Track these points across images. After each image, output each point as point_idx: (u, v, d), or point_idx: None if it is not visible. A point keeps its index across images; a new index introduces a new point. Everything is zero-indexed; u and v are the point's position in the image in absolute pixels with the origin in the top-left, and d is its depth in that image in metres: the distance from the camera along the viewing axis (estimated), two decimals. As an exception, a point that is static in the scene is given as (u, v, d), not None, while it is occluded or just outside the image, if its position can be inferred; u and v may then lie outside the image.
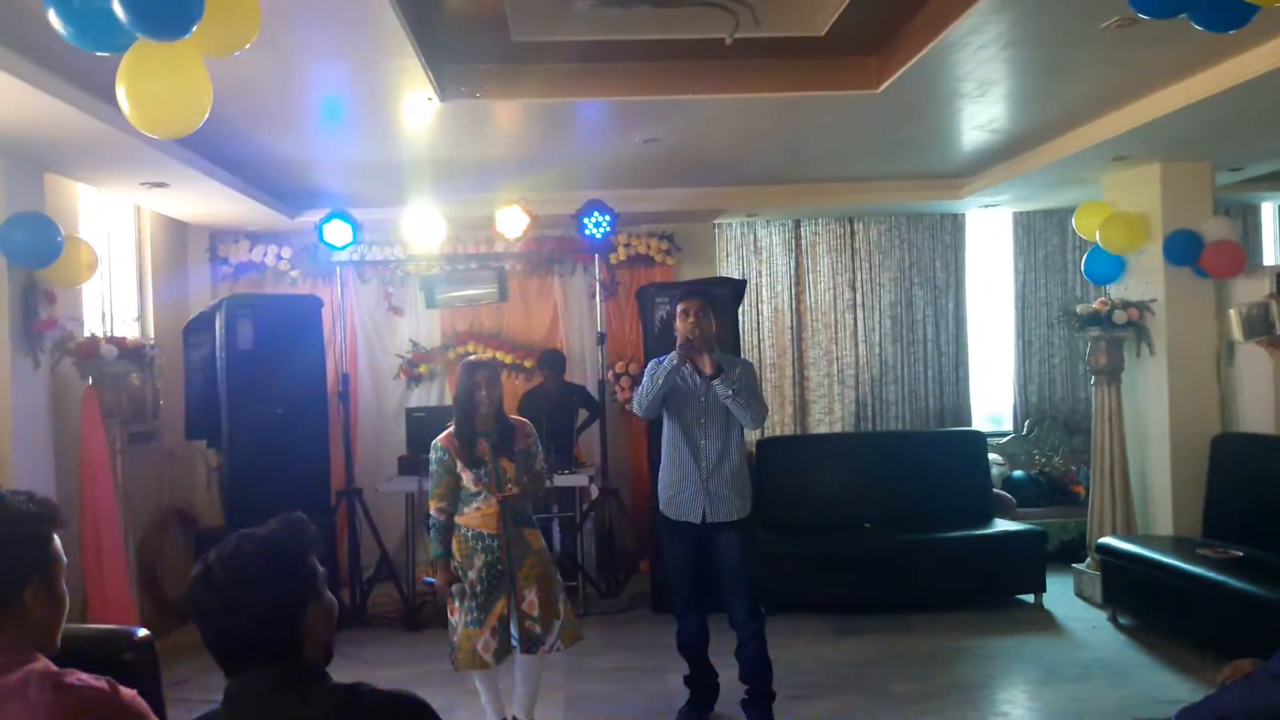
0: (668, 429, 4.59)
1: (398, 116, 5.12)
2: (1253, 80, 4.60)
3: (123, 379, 5.61)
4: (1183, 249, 6.32)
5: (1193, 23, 3.03)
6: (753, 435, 7.91)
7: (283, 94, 4.67)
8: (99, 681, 1.78)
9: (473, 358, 4.65)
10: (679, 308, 4.52)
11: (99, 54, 2.75)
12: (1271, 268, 6.91)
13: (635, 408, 4.63)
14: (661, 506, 4.63)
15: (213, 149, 5.61)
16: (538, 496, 4.73)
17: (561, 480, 6.73)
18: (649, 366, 4.60)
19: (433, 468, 4.42)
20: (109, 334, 5.73)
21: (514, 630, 4.32)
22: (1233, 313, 6.17)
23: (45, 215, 5.00)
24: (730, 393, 4.38)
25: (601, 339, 7.58)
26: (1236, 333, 6.14)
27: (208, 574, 1.71)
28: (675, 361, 4.42)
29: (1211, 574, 5.26)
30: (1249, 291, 6.26)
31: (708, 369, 4.40)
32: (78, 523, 5.30)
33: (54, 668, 1.80)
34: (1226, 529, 5.92)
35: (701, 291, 4.65)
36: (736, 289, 6.91)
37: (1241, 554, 5.47)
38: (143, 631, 2.58)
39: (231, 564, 1.70)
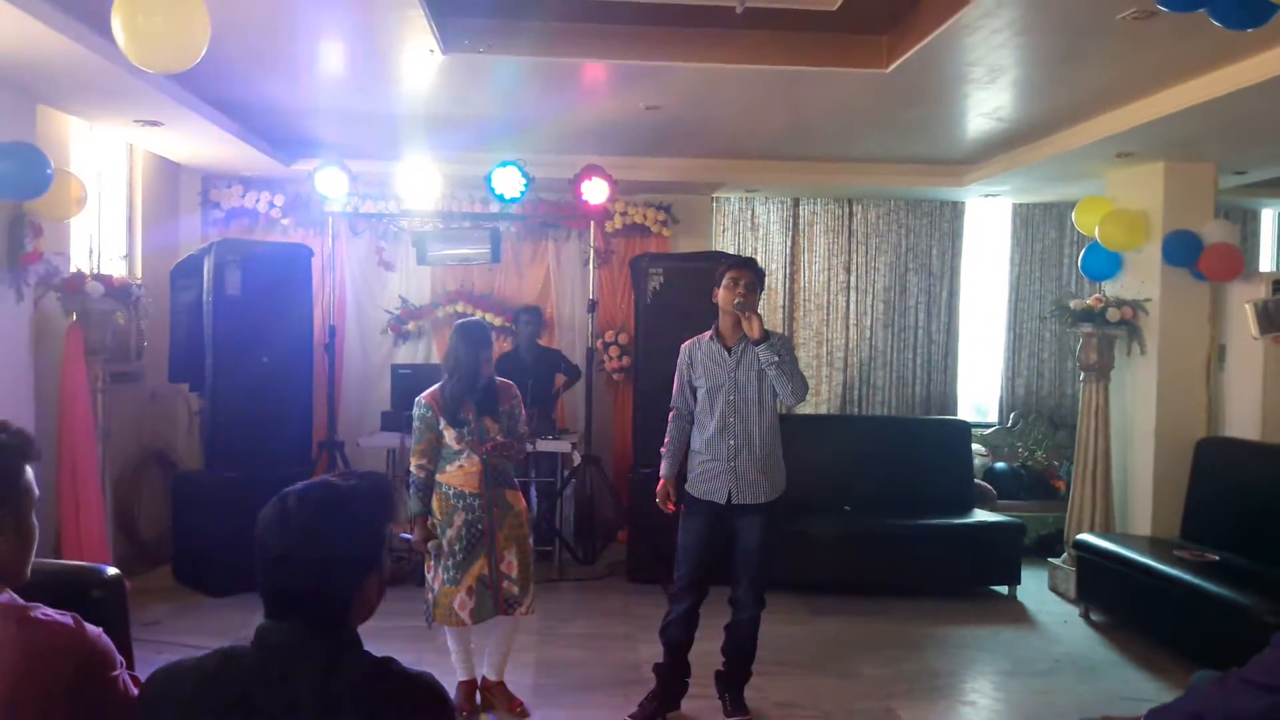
0: (698, 406, 4.46)
1: (398, 67, 5.04)
2: (1264, 83, 4.57)
3: (107, 317, 5.56)
4: (1181, 250, 6.31)
5: (1211, 18, 2.99)
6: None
7: (283, 37, 4.59)
8: (64, 617, 1.76)
9: (468, 320, 4.58)
10: (729, 274, 4.35)
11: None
12: (1269, 274, 6.90)
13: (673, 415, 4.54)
14: (688, 484, 4.48)
15: (209, 89, 5.52)
16: (518, 458, 4.69)
17: (544, 445, 6.71)
18: (681, 360, 4.49)
19: (415, 424, 4.39)
20: (96, 271, 5.67)
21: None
22: (1248, 307, 6.10)
23: (35, 146, 4.91)
24: (776, 359, 4.23)
25: (592, 306, 7.54)
26: (1253, 329, 6.06)
27: (283, 516, 1.65)
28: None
29: (1186, 576, 5.27)
30: (1245, 296, 6.24)
31: (755, 333, 4.23)
32: (55, 458, 5.27)
33: (19, 601, 1.77)
34: (1204, 532, 5.94)
35: (751, 266, 4.52)
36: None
37: (1217, 558, 5.49)
38: (112, 570, 2.55)
39: (307, 513, 1.64)
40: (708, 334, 4.45)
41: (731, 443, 4.35)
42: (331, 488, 1.69)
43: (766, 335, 4.26)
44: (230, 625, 5.45)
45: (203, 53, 2.92)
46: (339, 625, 1.66)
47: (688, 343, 4.52)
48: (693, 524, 4.44)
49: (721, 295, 4.37)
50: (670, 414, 4.55)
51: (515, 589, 4.34)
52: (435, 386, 4.40)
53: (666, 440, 4.54)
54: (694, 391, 4.45)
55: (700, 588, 4.44)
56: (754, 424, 4.35)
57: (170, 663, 1.69)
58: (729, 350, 4.39)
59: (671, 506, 4.49)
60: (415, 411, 4.39)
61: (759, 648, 4.56)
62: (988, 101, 5.54)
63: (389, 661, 1.68)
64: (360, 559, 1.67)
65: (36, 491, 1.88)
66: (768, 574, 4.46)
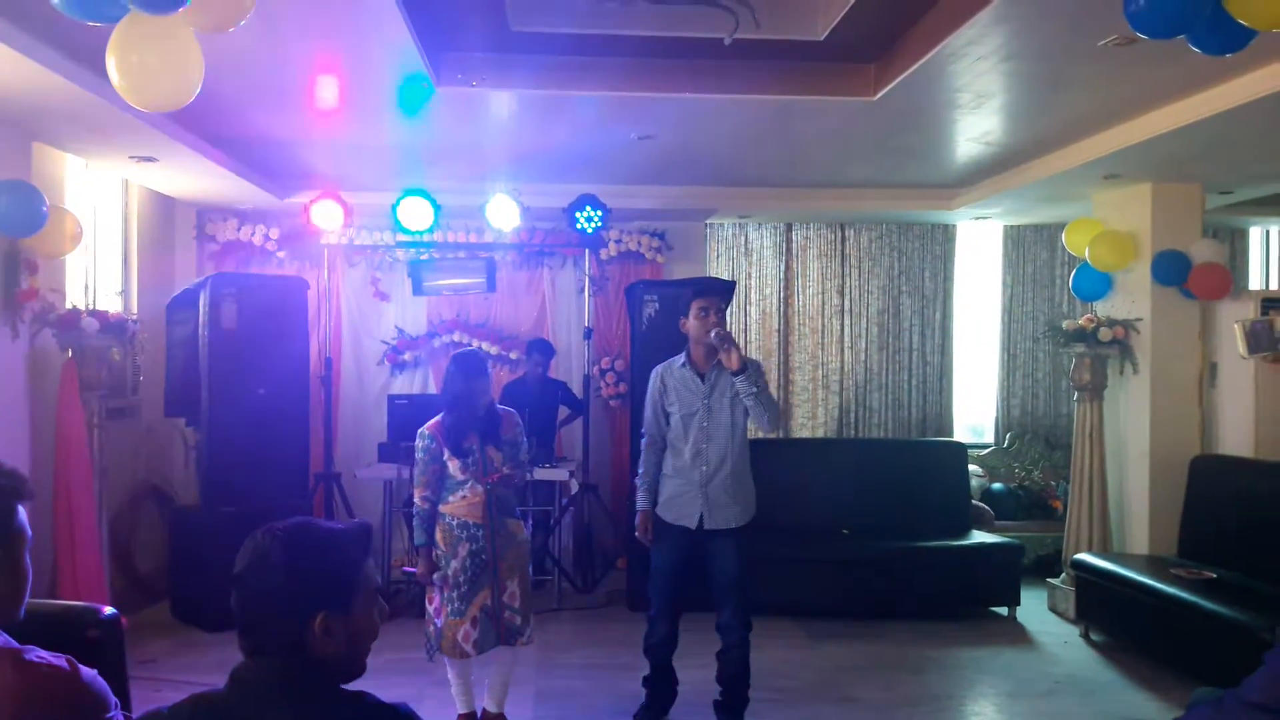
0: (670, 431, 4.51)
1: (393, 102, 5.08)
2: (1247, 104, 4.62)
3: (103, 352, 5.58)
4: (1170, 269, 6.36)
5: (1191, 45, 3.04)
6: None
7: (276, 73, 4.63)
8: (58, 659, 1.75)
9: (465, 351, 4.60)
10: (697, 304, 4.42)
11: (90, 24, 2.73)
12: (1257, 292, 6.96)
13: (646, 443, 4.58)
14: (658, 508, 4.54)
15: (204, 125, 5.56)
16: (520, 487, 4.70)
17: (541, 474, 6.71)
18: (652, 385, 4.54)
19: (419, 455, 4.38)
20: (91, 307, 5.69)
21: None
22: (1236, 327, 6.14)
23: (31, 184, 4.94)
24: (754, 390, 4.28)
25: (588, 334, 7.56)
26: (1241, 348, 6.11)
27: (254, 548, 1.69)
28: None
29: (1184, 594, 5.28)
30: (1234, 314, 6.28)
31: (734, 364, 4.27)
32: (51, 495, 5.26)
33: (13, 644, 1.76)
34: (1202, 550, 5.95)
35: (716, 290, 4.58)
36: (726, 290, 6.91)
37: (1215, 576, 5.50)
38: (109, 609, 2.55)
39: (264, 545, 1.67)
40: (679, 359, 4.49)
41: (704, 468, 4.41)
42: (301, 527, 1.72)
43: (744, 366, 4.30)
44: (227, 661, 5.31)
45: (197, 90, 2.94)
46: (300, 662, 1.66)
47: (659, 368, 4.58)
48: (665, 549, 4.52)
49: (692, 326, 4.43)
50: (644, 441, 4.57)
51: (517, 619, 4.34)
52: (438, 417, 4.40)
53: (641, 471, 4.57)
54: (667, 416, 4.49)
55: (677, 608, 4.55)
56: (727, 450, 4.42)
57: (147, 712, 1.70)
58: (702, 377, 4.43)
59: (652, 539, 4.52)
60: (418, 443, 4.39)
61: (758, 674, 4.57)
62: (975, 126, 5.60)
63: (362, 695, 1.69)
64: (302, 596, 1.66)
65: (29, 532, 1.87)
66: (749, 597, 4.51)
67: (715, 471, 4.40)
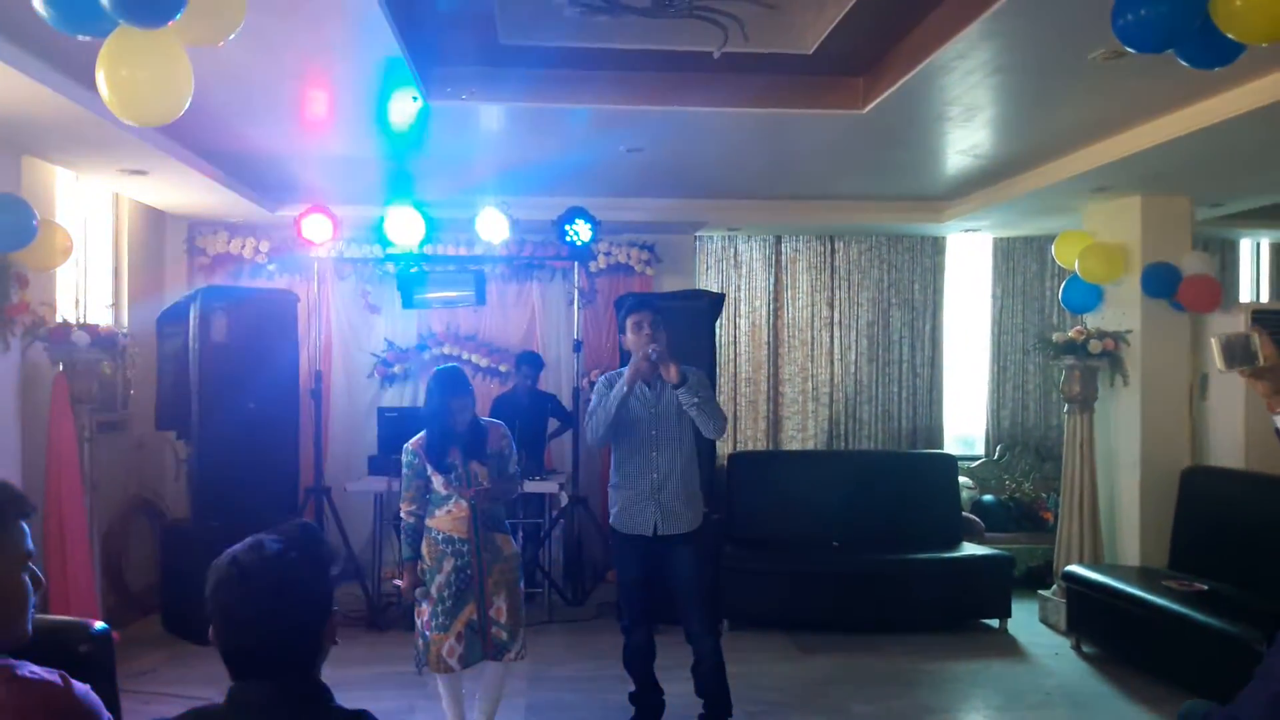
0: (618, 441, 4.52)
1: (383, 115, 5.09)
2: (1235, 118, 4.66)
3: (94, 366, 5.56)
4: (1160, 282, 6.38)
5: (1179, 59, 3.06)
6: (724, 448, 7.94)
7: (266, 86, 4.63)
8: (51, 674, 1.74)
9: (444, 367, 4.58)
10: (630, 320, 4.44)
11: (80, 37, 2.73)
12: (1247, 304, 6.98)
13: (589, 437, 4.51)
14: (612, 520, 4.58)
15: (194, 138, 5.56)
16: (510, 499, 4.69)
17: (531, 486, 6.70)
18: (599, 384, 4.52)
19: (404, 471, 4.38)
20: (82, 320, 5.67)
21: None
22: (1213, 341, 6.15)
23: (20, 198, 4.94)
24: (696, 400, 4.32)
25: (578, 346, 7.56)
26: (1219, 362, 6.12)
27: (244, 579, 1.66)
28: (626, 388, 4.35)
29: (1175, 606, 5.28)
30: (1224, 327, 6.25)
31: (674, 378, 4.30)
32: (42, 509, 5.23)
33: (7, 659, 1.75)
34: (1193, 562, 5.96)
35: (650, 303, 4.58)
36: (715, 302, 6.92)
37: (1206, 587, 5.50)
38: (100, 624, 2.55)
39: (261, 577, 1.65)
40: (629, 370, 4.46)
41: (654, 476, 4.44)
42: (278, 554, 1.69)
43: (684, 377, 4.32)
44: (218, 675, 5.31)
45: (187, 104, 2.94)
46: (302, 680, 1.68)
47: (606, 374, 4.58)
48: (627, 559, 4.56)
49: (630, 341, 4.44)
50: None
51: (504, 635, 4.31)
52: (422, 433, 4.40)
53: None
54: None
55: (649, 617, 4.58)
56: (676, 458, 4.46)
57: None
58: (649, 386, 4.45)
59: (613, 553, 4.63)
60: (403, 458, 4.39)
61: (749, 687, 4.57)
62: (965, 139, 5.62)
63: (363, 714, 1.70)
64: (316, 614, 1.68)
65: (32, 548, 1.86)
66: (712, 602, 4.57)
67: (665, 479, 4.44)
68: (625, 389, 4.36)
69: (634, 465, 4.47)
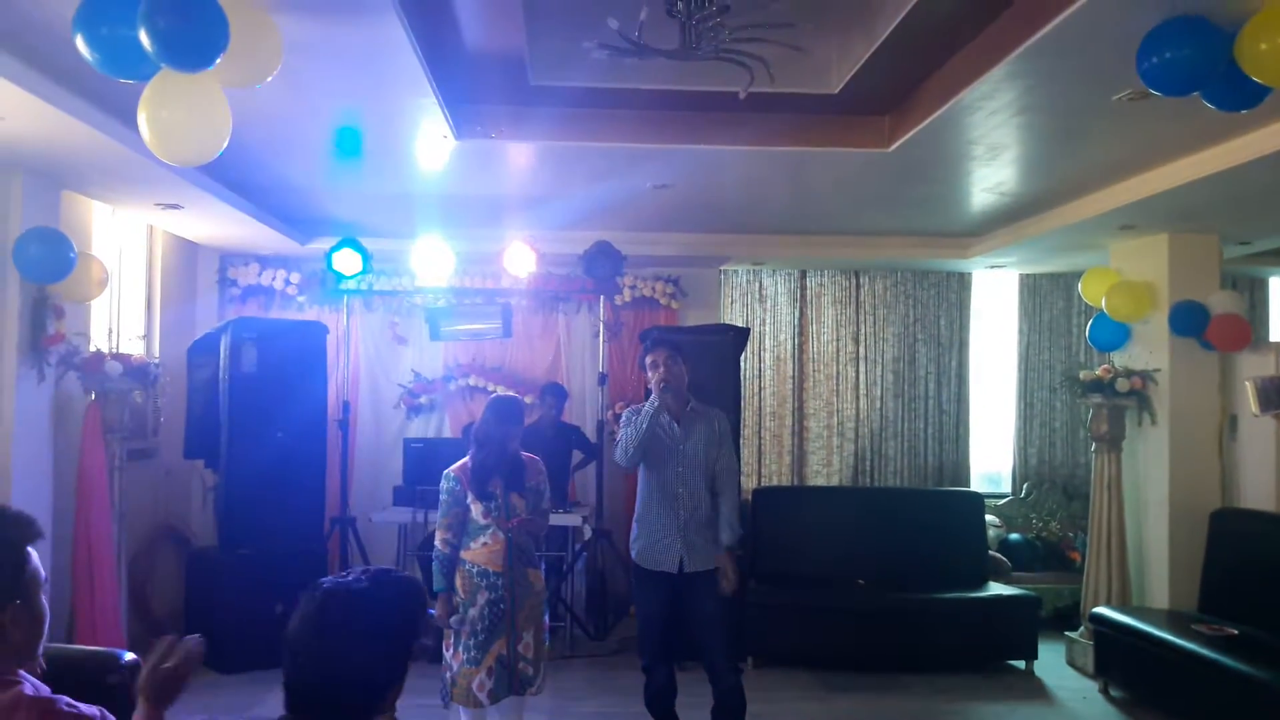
0: (644, 478, 4.55)
1: (413, 152, 5.17)
2: (1263, 157, 4.63)
3: (125, 395, 5.63)
4: (1188, 320, 6.33)
5: (1205, 101, 3.07)
6: (749, 483, 7.92)
7: (301, 125, 4.73)
8: (91, 710, 1.76)
9: (503, 396, 4.63)
10: (647, 359, 4.53)
11: (124, 81, 2.80)
12: (1277, 343, 6.90)
13: (619, 457, 4.53)
14: (635, 556, 4.58)
15: (228, 173, 5.67)
16: (540, 535, 4.70)
17: (554, 519, 6.69)
18: (625, 415, 4.57)
19: (443, 497, 4.37)
20: (115, 350, 5.76)
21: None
22: (1248, 384, 6.12)
23: (60, 231, 5.04)
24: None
25: (603, 379, 7.59)
26: (1254, 406, 6.06)
27: (320, 630, 1.64)
28: (656, 405, 4.42)
29: (1205, 651, 5.20)
30: (1254, 366, 6.25)
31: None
32: (71, 537, 5.30)
33: (45, 692, 1.78)
34: (1223, 605, 5.86)
35: (665, 340, 4.64)
36: (739, 336, 6.93)
37: (1237, 632, 5.41)
38: (130, 655, 2.58)
39: (343, 632, 1.63)
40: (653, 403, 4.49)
41: (681, 513, 4.45)
42: (370, 601, 1.68)
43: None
44: (243, 702, 5.42)
45: (225, 144, 3.01)
46: None
47: (633, 406, 4.61)
48: (649, 597, 4.56)
49: (649, 377, 4.51)
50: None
51: (530, 670, 4.31)
52: (464, 460, 4.41)
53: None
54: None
55: (669, 654, 4.59)
56: (701, 494, 4.47)
57: None
58: (678, 423, 4.46)
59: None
60: (443, 485, 4.38)
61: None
62: (990, 177, 5.64)
63: None
64: (392, 671, 1.68)
65: (44, 573, 1.89)
66: (733, 638, 4.57)
67: (691, 516, 4.46)
68: (655, 404, 4.41)
69: (659, 501, 4.49)
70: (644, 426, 4.41)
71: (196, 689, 6.02)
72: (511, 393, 7.75)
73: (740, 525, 4.53)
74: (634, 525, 4.62)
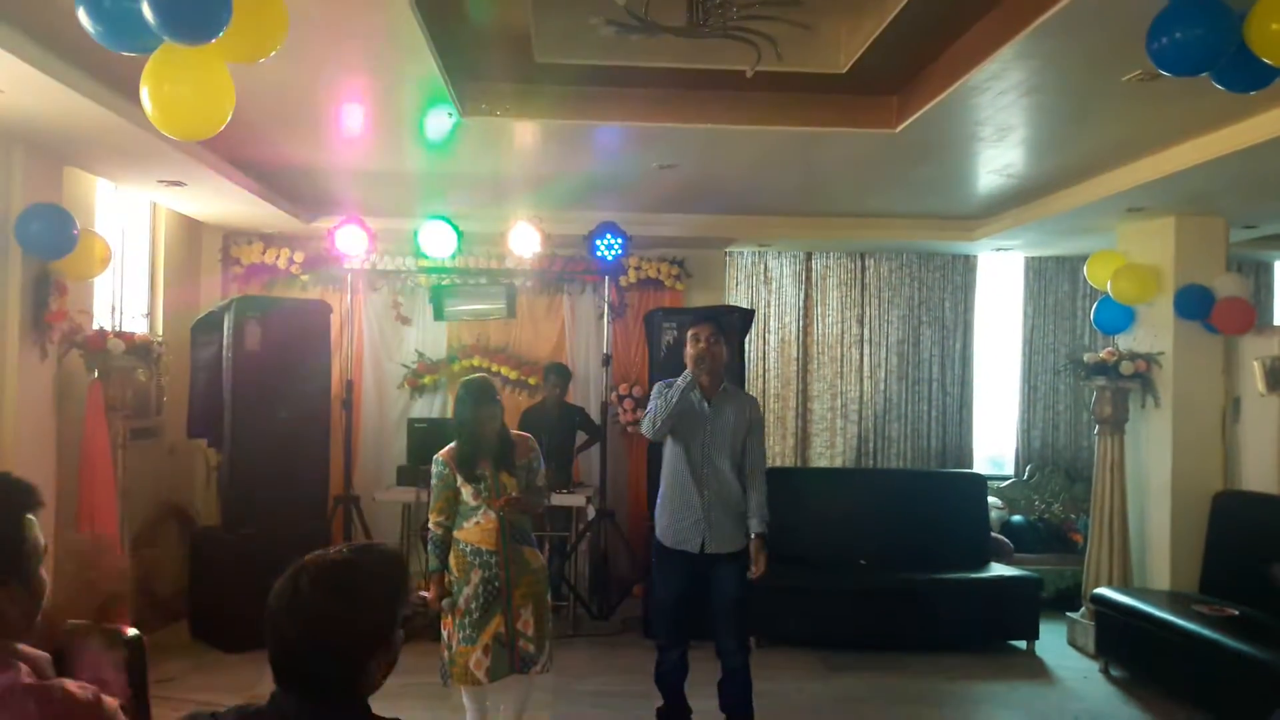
0: (670, 456, 4.54)
1: (417, 129, 5.14)
2: (1272, 140, 4.61)
3: (128, 374, 5.63)
4: (1193, 303, 6.32)
5: (1215, 83, 3.04)
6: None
7: (305, 101, 4.69)
8: (84, 691, 1.75)
9: (473, 377, 4.59)
10: (690, 332, 4.51)
11: (125, 54, 2.78)
12: (1282, 327, 6.90)
13: (646, 428, 4.54)
14: (658, 533, 4.59)
15: (232, 150, 5.64)
16: (538, 512, 4.69)
17: (558, 500, 6.71)
18: (656, 388, 4.56)
19: (434, 481, 4.39)
20: (117, 328, 5.75)
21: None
22: (1256, 364, 6.11)
23: (62, 207, 5.03)
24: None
25: (607, 360, 7.58)
26: (1260, 385, 6.07)
27: (295, 595, 1.65)
28: (689, 379, 4.40)
29: (1206, 631, 5.22)
30: (1258, 349, 6.24)
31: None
32: (75, 516, 5.30)
33: (38, 678, 1.76)
34: (1224, 586, 5.89)
35: (713, 317, 4.61)
36: (745, 318, 6.91)
37: (1237, 613, 5.44)
38: (132, 630, 2.58)
39: (319, 595, 1.64)
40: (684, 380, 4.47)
41: (706, 493, 4.44)
42: (347, 568, 1.69)
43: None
44: (245, 682, 5.44)
45: (228, 120, 2.99)
46: (348, 698, 1.68)
47: (664, 381, 4.59)
48: (668, 575, 4.56)
49: (688, 351, 4.49)
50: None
51: (531, 647, 4.31)
52: (452, 444, 4.42)
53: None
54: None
55: (685, 634, 4.58)
56: (726, 475, 4.46)
57: (190, 714, 1.71)
58: (708, 402, 4.44)
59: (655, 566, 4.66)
60: (433, 469, 4.40)
61: (776, 705, 4.55)
62: (997, 159, 5.61)
63: None
64: (366, 642, 1.67)
65: (44, 543, 1.87)
66: (746, 619, 4.57)
67: (715, 495, 4.45)
68: (688, 378, 4.40)
69: (684, 480, 4.48)
70: (674, 400, 4.39)
71: (200, 669, 6.09)
72: (501, 369, 7.80)
73: (769, 513, 4.52)
74: (658, 502, 4.61)
